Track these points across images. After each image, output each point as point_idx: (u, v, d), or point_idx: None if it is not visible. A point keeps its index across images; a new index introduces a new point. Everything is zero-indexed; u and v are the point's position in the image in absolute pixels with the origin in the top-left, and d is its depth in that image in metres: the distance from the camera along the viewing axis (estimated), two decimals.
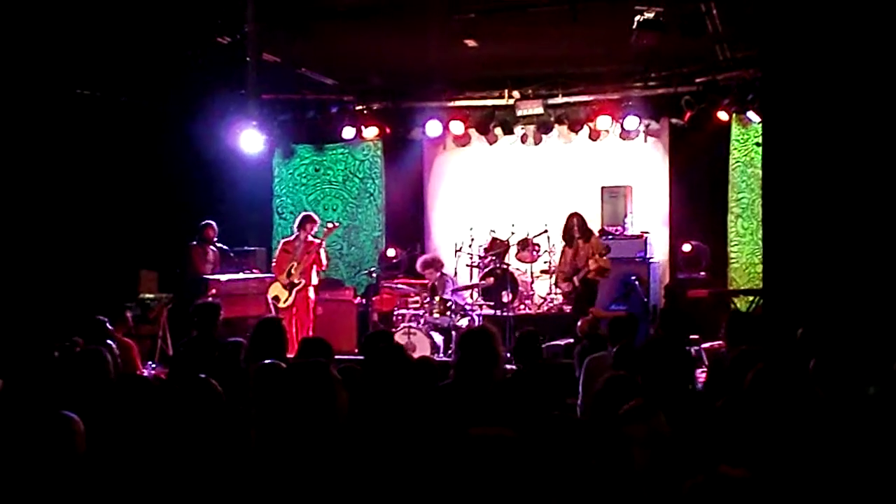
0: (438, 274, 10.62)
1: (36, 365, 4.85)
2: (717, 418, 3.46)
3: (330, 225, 10.75)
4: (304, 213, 10.83)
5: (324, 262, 10.56)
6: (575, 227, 9.54)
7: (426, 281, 11.25)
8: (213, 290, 10.12)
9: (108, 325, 6.55)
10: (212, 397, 3.52)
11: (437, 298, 10.26)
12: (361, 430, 3.47)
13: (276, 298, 10.31)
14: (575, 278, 9.40)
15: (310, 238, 10.44)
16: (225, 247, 11.07)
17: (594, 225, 10.92)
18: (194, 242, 10.71)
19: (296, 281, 10.27)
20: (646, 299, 9.96)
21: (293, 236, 10.51)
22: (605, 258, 9.38)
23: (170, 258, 10.85)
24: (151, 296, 10.44)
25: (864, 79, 6.20)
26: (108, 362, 4.56)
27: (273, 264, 10.74)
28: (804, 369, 3.97)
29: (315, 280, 10.50)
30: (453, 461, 2.66)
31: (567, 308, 10.24)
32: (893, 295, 6.06)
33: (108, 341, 5.98)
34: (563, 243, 9.74)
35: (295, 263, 10.29)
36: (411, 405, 4.13)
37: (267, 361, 4.35)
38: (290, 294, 10.28)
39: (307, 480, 2.74)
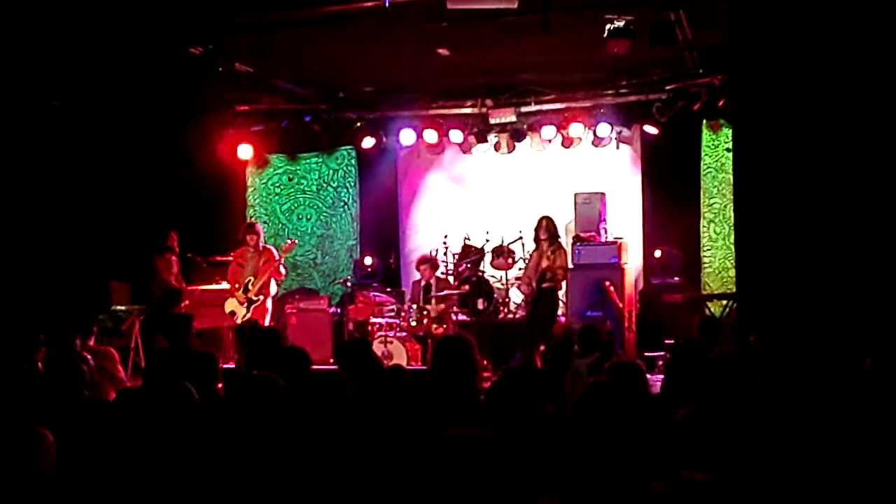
0: (432, 274, 10.55)
1: (7, 379, 4.79)
2: (688, 423, 3.48)
3: (289, 241, 10.65)
4: (246, 223, 10.62)
5: (282, 272, 10.37)
6: (542, 229, 9.65)
7: (403, 290, 11.25)
8: (186, 301, 10.05)
9: (76, 338, 6.43)
10: (188, 403, 3.51)
11: (414, 307, 10.23)
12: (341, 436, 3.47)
13: (233, 314, 10.06)
14: (533, 282, 9.50)
15: (261, 246, 10.20)
16: (197, 257, 11.00)
17: (569, 231, 11.03)
18: (157, 253, 10.63)
19: (253, 297, 10.01)
20: (620, 305, 10.01)
21: (242, 247, 10.25)
22: (560, 255, 9.49)
23: (141, 269, 10.75)
24: (123, 307, 10.34)
25: (833, 83, 6.28)
26: (84, 374, 4.52)
27: (228, 277, 10.44)
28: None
29: (273, 291, 10.29)
30: (430, 463, 2.66)
31: None
32: (865, 295, 6.13)
33: (84, 353, 5.93)
34: (534, 246, 9.85)
35: (252, 278, 10.02)
36: (387, 414, 4.13)
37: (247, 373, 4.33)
38: (247, 311, 10.02)
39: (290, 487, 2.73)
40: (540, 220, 9.77)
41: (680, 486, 2.33)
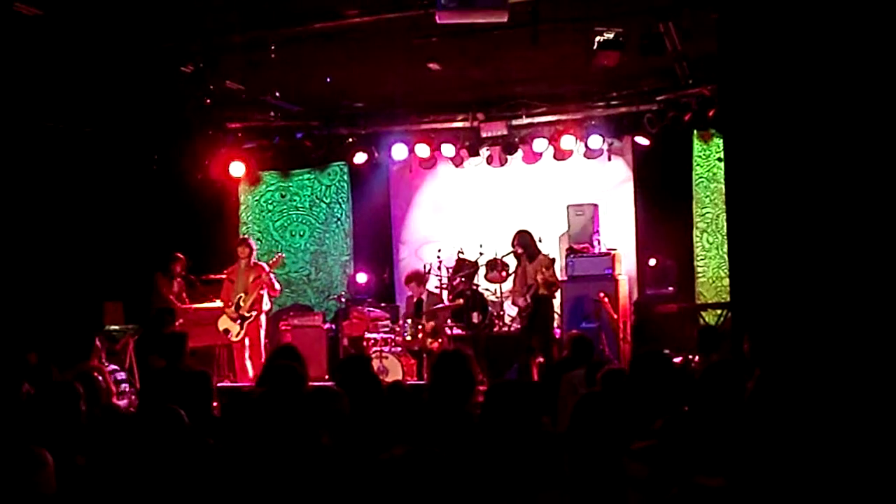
0: (422, 289, 10.54)
1: (4, 399, 4.76)
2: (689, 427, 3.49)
3: (276, 258, 10.65)
4: (239, 238, 10.61)
5: (276, 287, 10.30)
6: (516, 245, 9.70)
7: (398, 305, 11.23)
8: (181, 319, 10.01)
9: (53, 368, 6.34)
10: (177, 426, 3.49)
11: (409, 321, 10.22)
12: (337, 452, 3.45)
13: (227, 332, 10.02)
14: (527, 295, 9.53)
15: (253, 262, 10.16)
16: (191, 275, 10.98)
17: (561, 243, 11.05)
18: (160, 272, 10.61)
19: (246, 314, 9.98)
20: (615, 316, 10.01)
21: (235, 263, 10.23)
22: (550, 271, 9.49)
23: (135, 289, 10.72)
24: (117, 327, 10.29)
25: (823, 92, 6.31)
26: (80, 396, 4.49)
27: (221, 295, 10.41)
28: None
29: (266, 306, 10.25)
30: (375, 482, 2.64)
31: None
32: (860, 302, 6.14)
33: (94, 374, 5.88)
34: (516, 262, 9.90)
35: (243, 294, 9.99)
36: (386, 430, 4.12)
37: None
38: (241, 328, 9.98)
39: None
40: (513, 236, 9.84)
41: (693, 491, 2.33)
